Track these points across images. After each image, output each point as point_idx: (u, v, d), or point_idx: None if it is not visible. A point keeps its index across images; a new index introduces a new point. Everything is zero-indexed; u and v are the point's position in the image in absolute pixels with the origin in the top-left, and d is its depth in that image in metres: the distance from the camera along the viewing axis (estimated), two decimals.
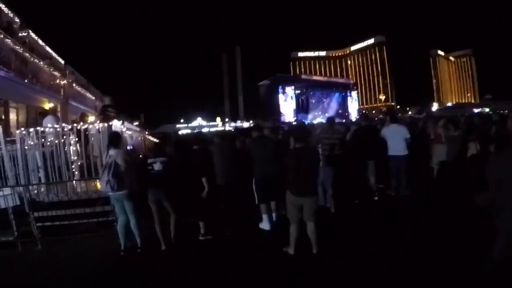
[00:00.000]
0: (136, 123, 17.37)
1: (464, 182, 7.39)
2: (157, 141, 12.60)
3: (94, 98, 22.16)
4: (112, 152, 5.93)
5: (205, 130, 30.22)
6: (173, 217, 6.35)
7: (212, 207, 6.67)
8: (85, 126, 8.05)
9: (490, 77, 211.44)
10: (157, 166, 6.15)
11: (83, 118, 10.15)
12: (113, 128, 7.79)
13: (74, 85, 17.69)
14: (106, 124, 7.85)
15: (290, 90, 61.25)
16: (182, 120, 69.14)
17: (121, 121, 8.91)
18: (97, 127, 7.86)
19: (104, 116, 9.54)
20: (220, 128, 49.81)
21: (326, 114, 58.19)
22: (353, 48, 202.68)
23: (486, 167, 3.24)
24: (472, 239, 5.36)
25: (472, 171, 6.02)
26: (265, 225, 6.88)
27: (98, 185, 7.04)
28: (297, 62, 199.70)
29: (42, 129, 7.87)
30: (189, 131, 35.39)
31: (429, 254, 5.20)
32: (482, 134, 8.08)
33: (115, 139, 6.20)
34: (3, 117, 11.60)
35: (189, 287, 4.86)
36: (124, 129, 8.81)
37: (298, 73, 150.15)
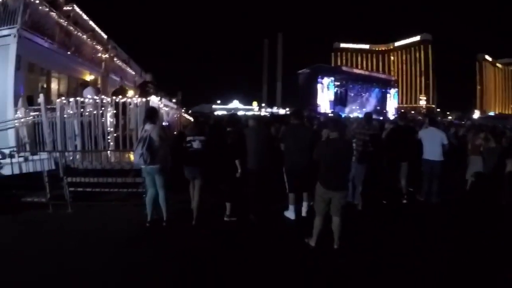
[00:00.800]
0: (174, 100, 17.54)
1: (497, 197, 7.16)
2: (194, 119, 12.75)
3: (134, 73, 22.51)
4: (147, 126, 6.08)
5: (240, 113, 30.23)
6: (198, 196, 6.41)
7: (241, 190, 6.71)
8: (124, 99, 8.21)
9: None
10: (195, 145, 6.26)
11: (121, 92, 10.30)
12: (151, 104, 7.93)
13: (115, 59, 18.05)
14: (144, 99, 8.02)
15: (329, 81, 60.32)
16: (219, 101, 69.60)
17: (159, 98, 9.05)
18: (135, 101, 8.04)
19: (143, 92, 9.65)
20: (255, 112, 49.81)
21: (364, 109, 57.18)
22: (397, 44, 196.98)
23: None
24: (492, 253, 5.29)
25: (509, 188, 5.80)
26: (290, 214, 6.87)
27: (132, 157, 7.26)
28: (339, 53, 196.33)
29: (81, 99, 8.11)
30: (225, 112, 35.57)
31: (449, 261, 5.14)
32: None
33: (151, 114, 6.32)
34: (45, 85, 12.10)
35: (205, 265, 4.91)
36: (161, 106, 8.95)
37: (339, 64, 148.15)
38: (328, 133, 5.53)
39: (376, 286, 4.48)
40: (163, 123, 8.55)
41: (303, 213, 6.86)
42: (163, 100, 9.44)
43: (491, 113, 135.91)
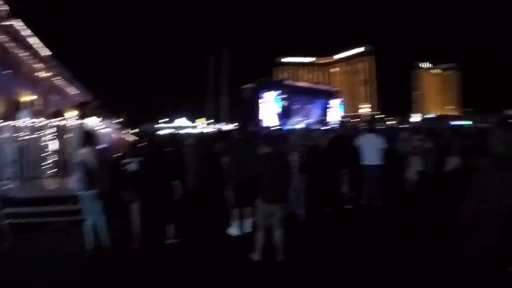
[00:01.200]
0: (118, 120, 17.13)
1: (438, 195, 7.55)
2: (136, 140, 12.51)
3: (78, 92, 21.86)
4: (85, 150, 5.86)
5: (186, 130, 29.95)
6: (138, 219, 6.23)
7: (182, 210, 6.64)
8: (62, 122, 7.97)
9: (473, 91, 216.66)
10: (132, 167, 6.07)
11: (58, 114, 9.98)
12: (87, 126, 7.73)
13: (56, 78, 17.44)
14: (80, 121, 7.80)
15: (273, 94, 61.21)
16: (165, 120, 68.81)
17: (99, 119, 8.84)
18: (72, 124, 7.82)
19: (82, 113, 9.40)
20: (202, 129, 49.55)
21: (309, 120, 58.41)
22: (340, 56, 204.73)
23: (470, 182, 3.17)
24: (439, 249, 5.58)
25: (450, 186, 6.12)
26: (233, 230, 6.83)
27: (71, 183, 6.95)
28: (282, 67, 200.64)
29: (17, 122, 7.78)
30: (170, 131, 35.13)
31: (395, 262, 5.34)
32: (463, 148, 8.23)
33: (88, 137, 6.10)
34: None
35: None
36: (100, 127, 8.75)
37: (283, 78, 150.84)
38: (263, 148, 5.60)
39: None
40: (102, 145, 8.34)
41: (244, 230, 6.77)
42: (103, 121, 9.25)
43: (431, 115, 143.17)
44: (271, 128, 36.40)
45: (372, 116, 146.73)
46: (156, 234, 6.44)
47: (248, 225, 6.82)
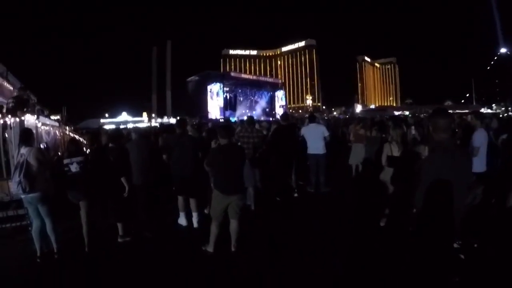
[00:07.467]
0: (57, 117, 16.30)
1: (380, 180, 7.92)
2: (77, 137, 11.99)
3: (12, 88, 20.62)
4: (23, 150, 5.45)
5: (129, 125, 29.12)
6: (87, 221, 5.92)
7: (130, 207, 6.52)
8: None
9: (411, 83, 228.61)
10: (73, 167, 5.74)
11: None
12: (26, 124, 7.30)
13: None
14: (18, 119, 7.29)
15: (218, 87, 60.72)
16: (107, 115, 66.48)
17: (36, 116, 8.36)
18: (8, 122, 7.31)
19: (17, 110, 8.80)
20: (146, 124, 48.43)
21: (254, 112, 58.64)
22: (284, 49, 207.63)
23: (418, 168, 3.31)
24: (388, 233, 5.93)
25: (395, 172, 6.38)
26: (182, 220, 6.91)
27: (11, 186, 6.50)
28: (227, 60, 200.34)
29: None
30: (113, 126, 34.05)
31: (348, 248, 5.59)
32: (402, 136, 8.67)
33: (26, 136, 5.68)
34: None
35: None
36: (39, 125, 8.32)
37: (228, 70, 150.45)
38: (219, 140, 5.60)
39: (278, 283, 4.65)
40: (41, 145, 7.92)
41: (195, 224, 6.82)
42: (41, 118, 8.78)
43: (372, 106, 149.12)
44: (218, 120, 36.39)
45: (315, 107, 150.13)
46: (107, 233, 6.32)
47: (195, 220, 6.86)
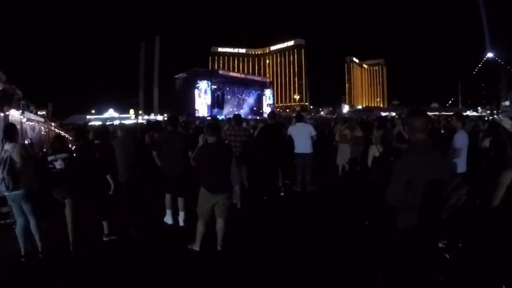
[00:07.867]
0: (43, 112, 16.10)
1: (366, 180, 7.98)
2: (63, 134, 11.86)
3: None
4: (7, 146, 5.32)
5: (116, 122, 28.78)
6: (72, 219, 5.82)
7: (116, 205, 6.42)
8: None
9: (399, 85, 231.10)
10: (58, 164, 5.63)
11: None
12: (10, 119, 7.17)
13: None
14: (2, 114, 7.16)
15: (206, 84, 60.49)
16: (93, 111, 65.72)
17: (21, 111, 8.25)
18: None
19: (2, 104, 8.64)
20: (133, 120, 47.99)
21: (241, 111, 58.55)
22: (273, 48, 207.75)
23: (393, 167, 3.30)
24: (372, 231, 5.82)
25: (375, 172, 6.42)
26: (168, 219, 6.88)
27: None
28: (216, 57, 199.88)
29: None
30: (99, 122, 33.69)
31: (333, 247, 5.64)
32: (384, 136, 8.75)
33: (10, 131, 5.51)
34: None
35: None
36: (24, 120, 8.21)
37: (216, 68, 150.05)
38: (206, 137, 5.55)
39: (263, 282, 4.67)
40: (26, 141, 7.77)
41: (181, 223, 6.79)
42: (26, 113, 8.66)
43: (359, 107, 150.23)
44: (206, 118, 36.26)
45: (302, 106, 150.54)
46: (92, 232, 6.26)
47: (181, 219, 6.83)
